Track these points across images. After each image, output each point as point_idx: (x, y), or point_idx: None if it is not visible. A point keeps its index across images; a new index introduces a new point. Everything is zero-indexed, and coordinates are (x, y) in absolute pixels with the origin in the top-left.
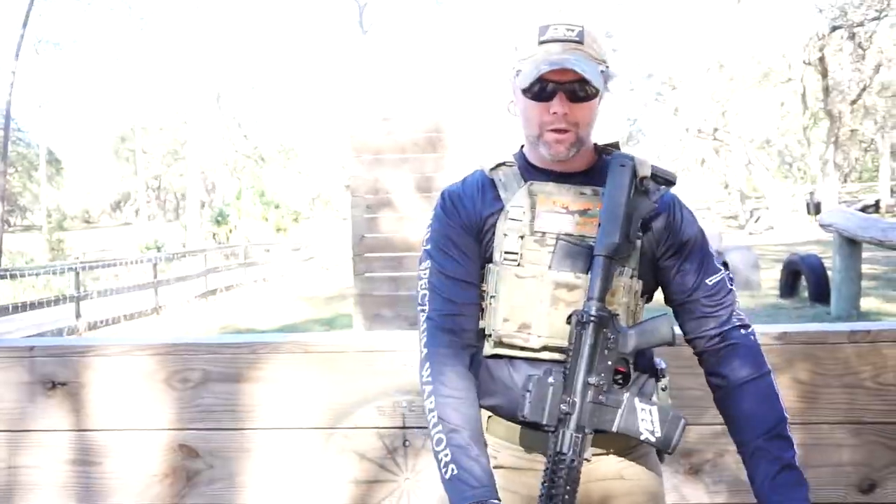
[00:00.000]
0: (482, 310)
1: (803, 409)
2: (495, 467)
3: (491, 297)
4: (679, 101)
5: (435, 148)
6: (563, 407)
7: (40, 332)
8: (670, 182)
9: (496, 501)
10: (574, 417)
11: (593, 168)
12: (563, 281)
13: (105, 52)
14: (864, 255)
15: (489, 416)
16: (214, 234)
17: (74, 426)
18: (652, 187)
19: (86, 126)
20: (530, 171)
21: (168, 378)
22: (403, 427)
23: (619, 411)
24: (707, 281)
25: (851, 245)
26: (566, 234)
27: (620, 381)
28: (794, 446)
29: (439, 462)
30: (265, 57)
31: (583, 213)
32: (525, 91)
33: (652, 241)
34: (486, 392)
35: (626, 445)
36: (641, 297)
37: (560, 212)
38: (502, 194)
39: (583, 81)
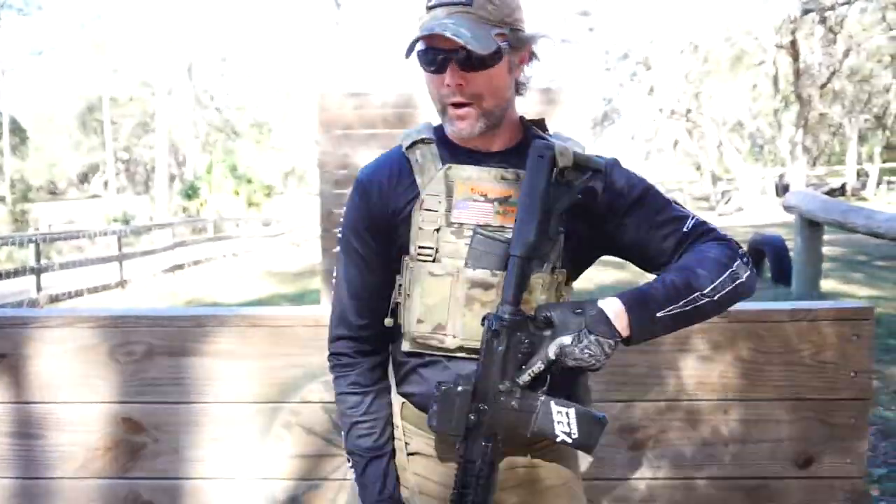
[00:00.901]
0: (397, 304)
1: (745, 385)
2: (410, 454)
3: (406, 294)
4: (654, 81)
5: (405, 124)
6: (471, 416)
7: (0, 305)
8: (596, 170)
9: None
10: (484, 426)
11: (519, 146)
12: (478, 279)
13: (72, 19)
14: (826, 237)
15: (403, 402)
16: (185, 208)
17: (15, 398)
18: (575, 177)
19: (52, 95)
20: (449, 149)
21: (111, 351)
22: None
23: (534, 415)
24: (684, 228)
25: (813, 227)
26: (484, 226)
27: (534, 384)
28: (679, 299)
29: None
30: (238, 28)
31: (503, 200)
32: (420, 63)
33: (598, 214)
34: (402, 379)
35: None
36: (566, 285)
37: (478, 200)
38: (418, 179)
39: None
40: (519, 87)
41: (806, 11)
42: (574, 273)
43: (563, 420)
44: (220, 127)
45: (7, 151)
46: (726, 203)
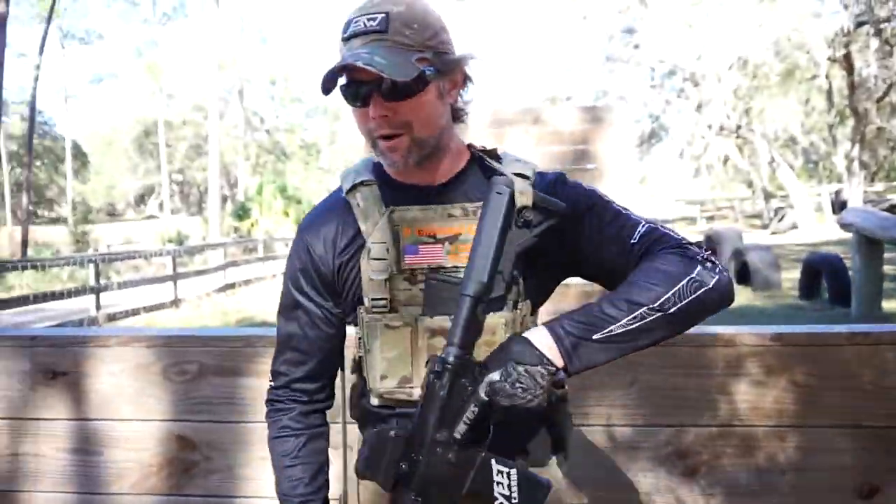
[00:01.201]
0: (360, 357)
1: (801, 411)
2: None
3: (366, 349)
4: (702, 98)
5: None
6: (402, 465)
7: (62, 323)
8: (556, 214)
9: None
10: (415, 480)
11: (464, 173)
12: (437, 327)
13: (129, 47)
14: (888, 255)
15: None
16: (236, 228)
17: (74, 415)
18: (535, 218)
19: (111, 120)
20: (390, 188)
21: (165, 370)
22: None
23: (471, 472)
24: (632, 239)
25: (872, 245)
26: (437, 270)
27: (476, 436)
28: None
29: None
30: (287, 51)
31: (453, 239)
32: (345, 99)
33: (554, 232)
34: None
35: None
36: (532, 314)
37: (427, 242)
38: (362, 226)
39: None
40: (457, 114)
41: (860, 24)
42: (539, 300)
43: (504, 481)
44: (269, 149)
45: (70, 175)
46: (779, 221)
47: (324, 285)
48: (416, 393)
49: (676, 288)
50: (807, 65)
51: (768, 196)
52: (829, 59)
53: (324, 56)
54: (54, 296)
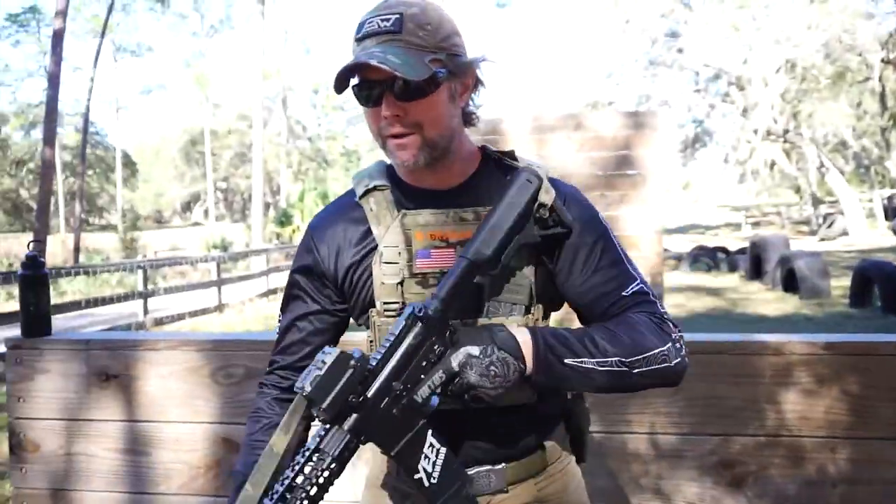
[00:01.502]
0: None
1: (853, 422)
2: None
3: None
4: (748, 102)
5: None
6: (351, 398)
7: (112, 327)
8: (565, 225)
9: None
10: (357, 418)
11: (476, 175)
12: None
13: (178, 59)
14: None
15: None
16: (278, 235)
17: (126, 416)
18: (548, 220)
19: (159, 130)
20: (403, 191)
21: (213, 373)
22: None
23: (408, 435)
24: (625, 293)
25: None
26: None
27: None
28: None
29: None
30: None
31: (465, 243)
32: (357, 99)
33: (547, 249)
34: None
35: (541, 467)
36: (545, 319)
37: (440, 246)
38: (375, 230)
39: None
40: (468, 117)
41: None
42: (551, 307)
43: (431, 457)
44: (311, 156)
45: (119, 183)
46: (829, 227)
47: (322, 285)
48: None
49: (648, 354)
50: (858, 67)
51: (817, 202)
52: (882, 60)
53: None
54: (105, 301)
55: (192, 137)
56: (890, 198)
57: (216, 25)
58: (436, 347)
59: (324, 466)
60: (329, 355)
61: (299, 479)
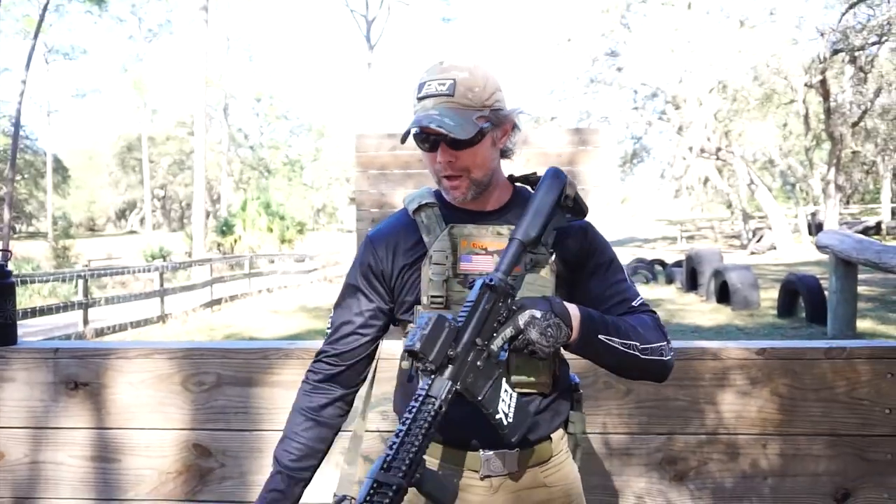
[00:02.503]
0: None
1: (782, 420)
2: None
3: None
4: (683, 120)
5: None
6: (449, 352)
7: (50, 338)
8: (583, 212)
9: None
10: (454, 368)
11: (509, 203)
12: None
13: (114, 63)
14: (862, 276)
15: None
16: (219, 245)
17: (95, 424)
18: (572, 208)
19: (93, 135)
20: (450, 211)
21: (184, 381)
22: None
23: (489, 382)
24: (634, 304)
25: (847, 266)
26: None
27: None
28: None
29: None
30: (272, 69)
31: (500, 252)
32: (417, 143)
33: (570, 262)
34: None
35: (548, 456)
36: None
37: (480, 253)
38: (425, 238)
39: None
40: (505, 153)
41: (836, 51)
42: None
43: (507, 400)
44: (253, 165)
45: (50, 189)
46: (758, 241)
47: (379, 283)
48: None
49: (654, 345)
50: (784, 90)
51: (747, 217)
52: (805, 84)
53: (308, 76)
54: (42, 311)
55: (129, 143)
56: (813, 214)
57: (155, 30)
58: (502, 312)
59: (434, 409)
60: (429, 318)
61: (415, 423)
